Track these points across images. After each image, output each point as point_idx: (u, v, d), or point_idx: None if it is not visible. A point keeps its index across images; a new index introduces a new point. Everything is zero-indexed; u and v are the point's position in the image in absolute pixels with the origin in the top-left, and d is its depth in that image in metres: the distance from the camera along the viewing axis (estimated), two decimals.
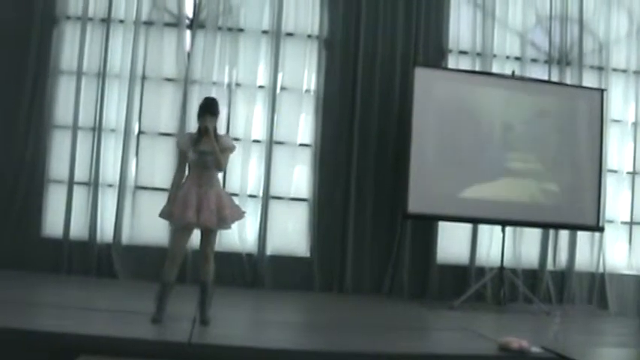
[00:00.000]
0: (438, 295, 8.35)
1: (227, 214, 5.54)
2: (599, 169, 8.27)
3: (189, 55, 8.40)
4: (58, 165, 8.24)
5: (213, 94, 7.86)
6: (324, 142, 8.49)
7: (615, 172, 8.99)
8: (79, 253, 8.06)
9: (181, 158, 5.65)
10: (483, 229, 8.56)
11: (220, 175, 6.00)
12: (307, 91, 8.57)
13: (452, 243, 8.65)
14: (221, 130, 6.32)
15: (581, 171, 8.23)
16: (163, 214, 5.58)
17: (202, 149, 5.49)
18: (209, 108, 5.59)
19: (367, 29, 8.57)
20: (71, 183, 8.16)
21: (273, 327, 6.06)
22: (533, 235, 8.73)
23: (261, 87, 8.48)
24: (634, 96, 9.13)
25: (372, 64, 8.56)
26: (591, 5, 9.05)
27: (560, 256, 8.79)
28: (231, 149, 5.69)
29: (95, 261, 8.06)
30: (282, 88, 8.53)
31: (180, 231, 5.56)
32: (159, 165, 8.10)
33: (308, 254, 8.42)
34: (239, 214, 5.74)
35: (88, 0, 8.26)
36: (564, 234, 8.79)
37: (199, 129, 5.58)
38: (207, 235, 5.57)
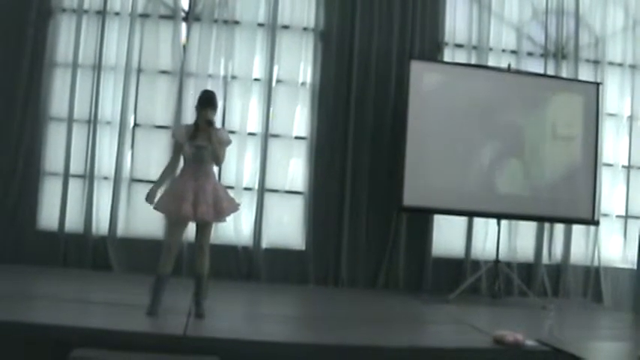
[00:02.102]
0: (434, 289, 8.36)
1: (224, 206, 5.55)
2: (594, 163, 8.26)
3: (184, 47, 8.38)
4: (53, 157, 8.22)
5: (208, 87, 7.88)
6: (320, 135, 8.48)
7: (611, 165, 8.99)
8: (75, 246, 8.05)
9: (176, 149, 5.61)
10: (478, 222, 8.58)
11: (216, 168, 5.99)
12: (303, 83, 8.55)
13: (447, 236, 8.65)
14: (217, 123, 6.29)
15: (577, 164, 8.23)
16: (158, 207, 5.55)
17: (199, 143, 5.48)
18: (211, 101, 5.56)
19: (363, 22, 8.55)
20: (66, 175, 8.14)
21: (268, 320, 6.05)
22: (528, 228, 8.73)
23: (256, 80, 8.46)
24: (629, 90, 9.13)
25: (367, 56, 8.55)
26: None
27: (556, 250, 8.80)
28: (228, 143, 5.66)
29: (90, 253, 8.06)
30: (278, 81, 8.51)
31: (175, 224, 5.56)
32: (154, 158, 8.04)
33: (303, 247, 8.42)
34: (234, 207, 5.72)
35: None
36: (559, 227, 8.80)
37: (196, 122, 5.56)
38: (204, 228, 5.57)
